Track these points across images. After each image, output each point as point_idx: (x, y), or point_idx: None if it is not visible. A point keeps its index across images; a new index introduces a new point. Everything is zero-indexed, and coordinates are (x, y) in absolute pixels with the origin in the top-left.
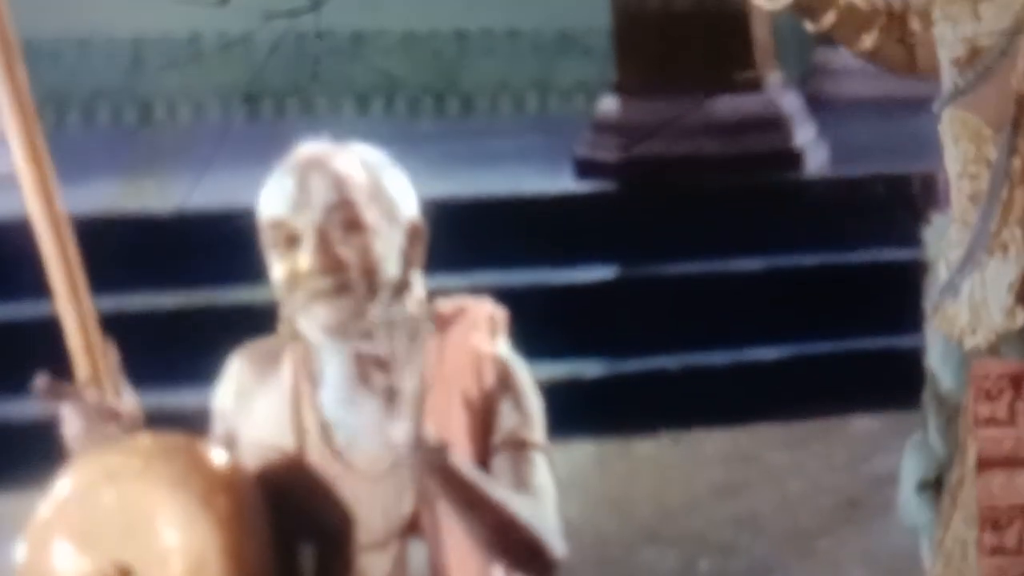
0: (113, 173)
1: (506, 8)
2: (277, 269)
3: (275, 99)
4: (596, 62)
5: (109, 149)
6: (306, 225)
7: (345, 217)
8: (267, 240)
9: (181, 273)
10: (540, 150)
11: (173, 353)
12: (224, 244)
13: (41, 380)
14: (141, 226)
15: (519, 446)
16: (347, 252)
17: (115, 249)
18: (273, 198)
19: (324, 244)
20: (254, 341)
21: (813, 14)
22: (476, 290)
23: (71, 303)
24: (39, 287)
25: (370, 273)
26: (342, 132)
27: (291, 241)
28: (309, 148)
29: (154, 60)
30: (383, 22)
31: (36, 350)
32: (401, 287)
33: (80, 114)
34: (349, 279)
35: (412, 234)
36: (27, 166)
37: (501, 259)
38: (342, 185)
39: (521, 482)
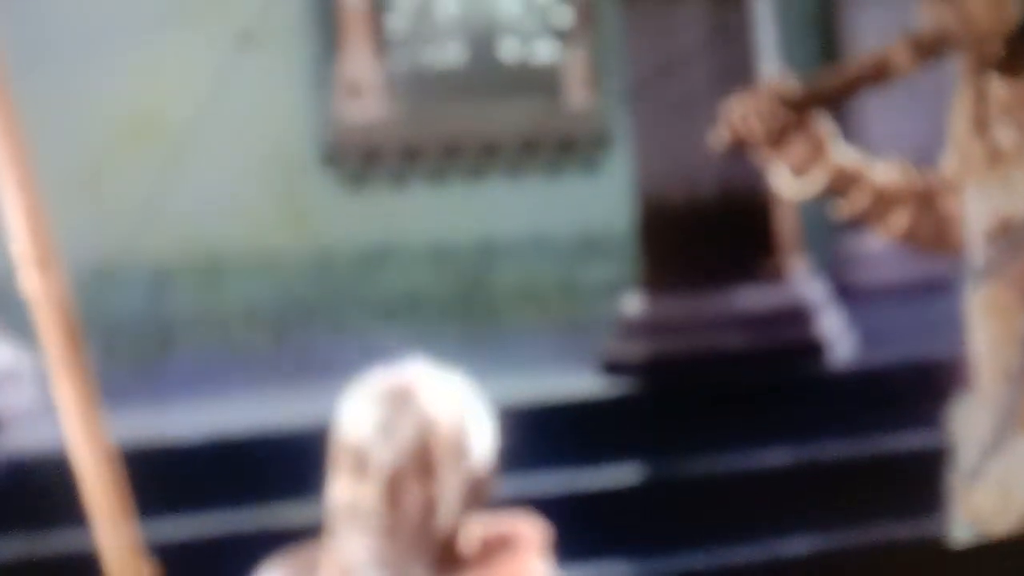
0: (138, 402)
1: (529, 216)
2: (339, 491)
3: (301, 317)
4: (618, 263)
5: (132, 378)
6: (382, 462)
7: (421, 463)
8: (336, 458)
9: (212, 499)
10: (565, 353)
11: None
12: (257, 467)
13: None
14: (170, 454)
15: None
16: (412, 496)
17: (144, 478)
18: (355, 424)
19: (393, 485)
20: (287, 551)
21: (846, 198)
22: (500, 498)
23: (109, 529)
24: (71, 518)
25: (429, 518)
26: (368, 345)
27: (361, 468)
28: (402, 375)
29: (175, 285)
30: (408, 235)
31: None
32: (454, 531)
33: (101, 343)
34: (407, 520)
35: (478, 484)
36: (70, 392)
37: (528, 464)
38: (426, 431)
39: None
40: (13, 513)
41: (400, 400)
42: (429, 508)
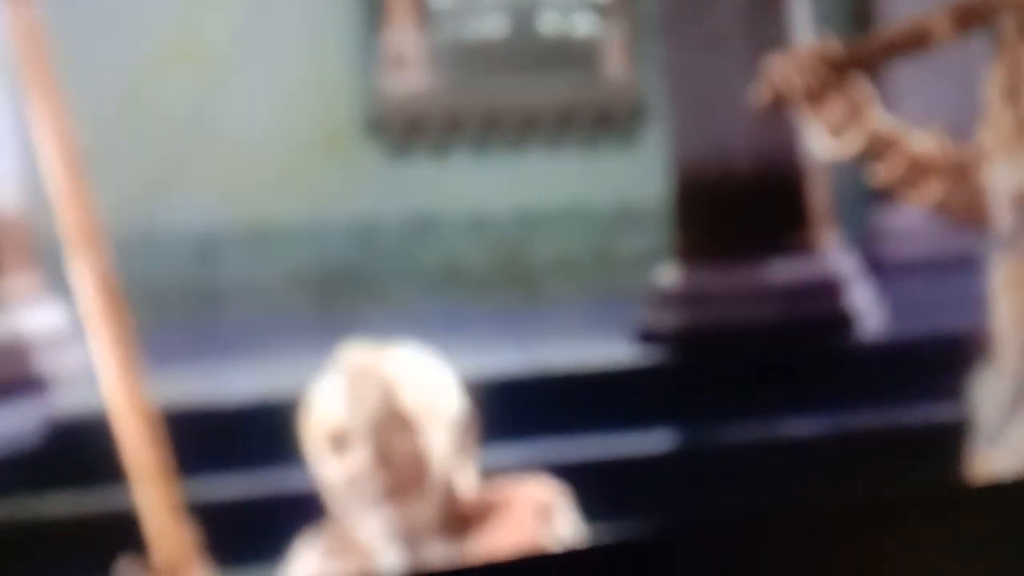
0: (186, 363)
1: (567, 187)
2: (331, 473)
3: (343, 284)
4: (654, 234)
5: (181, 340)
6: (359, 429)
7: (397, 423)
8: (319, 447)
9: (257, 459)
10: (601, 322)
11: (247, 538)
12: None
13: (124, 565)
14: (216, 415)
15: None
16: (402, 448)
17: (191, 438)
18: (324, 407)
19: (379, 443)
20: (321, 524)
21: (881, 163)
22: (536, 463)
23: (150, 488)
24: (117, 477)
25: (423, 472)
26: (409, 315)
27: (342, 444)
28: (356, 354)
29: (221, 252)
30: (449, 205)
31: (113, 541)
32: (452, 480)
33: (150, 306)
34: (404, 475)
35: (461, 428)
36: (110, 355)
37: (563, 430)
38: (390, 391)
39: None
40: (61, 472)
41: (358, 375)
42: (422, 459)
